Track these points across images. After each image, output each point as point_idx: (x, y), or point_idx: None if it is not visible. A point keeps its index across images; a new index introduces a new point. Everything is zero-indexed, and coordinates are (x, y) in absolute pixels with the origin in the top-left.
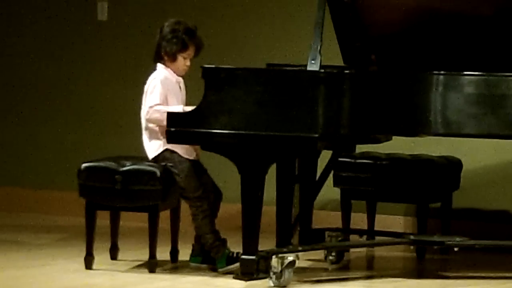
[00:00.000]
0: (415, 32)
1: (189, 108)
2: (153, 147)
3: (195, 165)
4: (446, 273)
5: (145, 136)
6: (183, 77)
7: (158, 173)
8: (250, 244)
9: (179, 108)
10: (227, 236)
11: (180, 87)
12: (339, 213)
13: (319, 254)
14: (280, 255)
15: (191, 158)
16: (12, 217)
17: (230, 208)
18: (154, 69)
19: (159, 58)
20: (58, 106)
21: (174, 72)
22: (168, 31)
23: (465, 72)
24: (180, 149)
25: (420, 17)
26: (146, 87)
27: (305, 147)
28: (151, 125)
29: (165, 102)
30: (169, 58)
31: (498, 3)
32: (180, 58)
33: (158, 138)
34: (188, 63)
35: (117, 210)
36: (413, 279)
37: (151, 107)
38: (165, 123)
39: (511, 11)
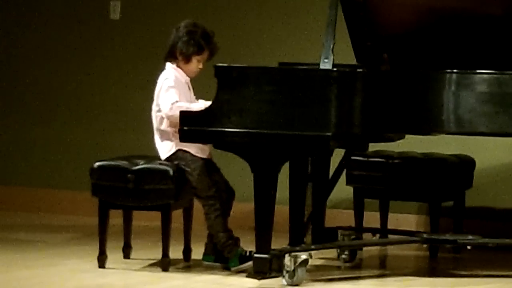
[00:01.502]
0: (427, 31)
1: (209, 103)
2: (165, 147)
3: (208, 164)
4: (458, 271)
5: (157, 137)
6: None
7: (171, 172)
8: (263, 243)
9: (201, 104)
10: (239, 235)
11: (188, 87)
12: (352, 212)
13: (332, 252)
14: (293, 253)
15: (204, 157)
16: (25, 217)
17: (243, 207)
18: (163, 69)
19: (171, 57)
20: (70, 105)
21: (185, 73)
22: (185, 32)
23: (477, 71)
24: (193, 148)
25: (431, 16)
26: (158, 87)
27: (317, 146)
28: (163, 126)
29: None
30: (183, 59)
31: (508, 2)
32: (194, 61)
33: (170, 139)
34: (200, 66)
35: (129, 209)
36: (425, 278)
37: (173, 103)
38: None
39: None
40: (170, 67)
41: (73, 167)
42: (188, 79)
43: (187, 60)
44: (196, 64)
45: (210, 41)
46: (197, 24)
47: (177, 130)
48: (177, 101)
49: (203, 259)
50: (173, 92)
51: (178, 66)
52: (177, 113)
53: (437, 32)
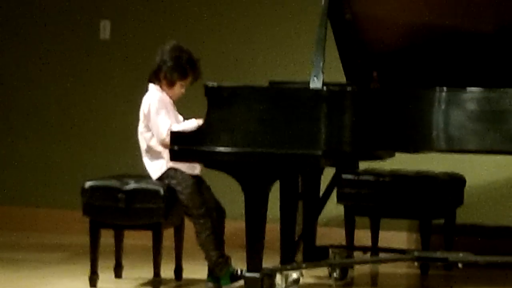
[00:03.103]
0: (417, 49)
1: (202, 121)
2: (156, 167)
3: (199, 182)
4: None
5: (146, 158)
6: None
7: (161, 192)
8: (254, 262)
9: (193, 122)
10: (230, 254)
11: (173, 106)
12: (343, 230)
13: (323, 271)
14: (284, 272)
15: (195, 173)
16: (16, 236)
17: (234, 225)
18: (146, 90)
19: (154, 80)
20: (60, 125)
21: (168, 96)
22: (170, 56)
23: (467, 88)
24: (183, 166)
25: (421, 33)
26: (144, 109)
27: (308, 164)
28: (152, 144)
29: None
30: (167, 84)
31: (498, 20)
32: (177, 85)
33: (160, 158)
34: (183, 90)
35: (121, 228)
36: None
37: (169, 128)
38: None
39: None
40: (153, 88)
41: (63, 186)
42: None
43: (171, 84)
44: (179, 89)
45: (195, 67)
46: (182, 49)
47: (165, 149)
48: (170, 127)
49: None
50: (164, 118)
51: (161, 88)
52: None
53: (427, 50)
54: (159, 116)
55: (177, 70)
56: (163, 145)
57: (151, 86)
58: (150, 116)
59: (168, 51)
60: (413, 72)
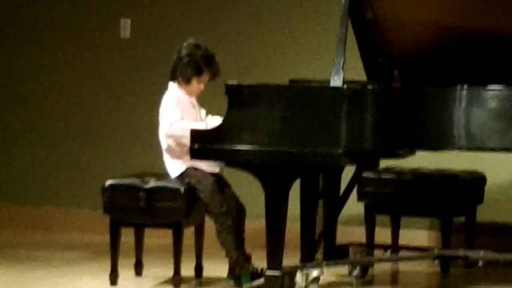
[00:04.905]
0: (439, 48)
1: (214, 124)
2: (175, 166)
3: (219, 180)
4: (470, 287)
5: (166, 157)
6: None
7: (182, 190)
8: (274, 260)
9: (202, 124)
10: (251, 252)
11: (193, 105)
12: (363, 228)
13: (344, 269)
14: (304, 270)
15: (215, 171)
16: (36, 235)
17: (254, 224)
18: (166, 89)
19: (174, 78)
20: (81, 124)
21: (187, 93)
22: (185, 53)
23: (488, 87)
24: (203, 165)
25: (442, 33)
26: (161, 108)
27: (328, 163)
28: (170, 142)
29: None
30: (183, 80)
31: None
32: (194, 82)
33: (179, 157)
34: (202, 87)
35: (141, 227)
36: None
37: (173, 123)
38: (184, 140)
39: None
40: (173, 87)
41: (84, 186)
42: (193, 98)
43: (187, 81)
44: (196, 86)
45: (210, 63)
46: (199, 46)
47: (184, 148)
48: (177, 121)
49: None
50: (173, 112)
51: (180, 86)
52: (177, 133)
53: (448, 49)
54: (169, 112)
55: (192, 66)
56: (170, 138)
57: (171, 84)
58: (163, 114)
59: (183, 49)
60: (435, 71)
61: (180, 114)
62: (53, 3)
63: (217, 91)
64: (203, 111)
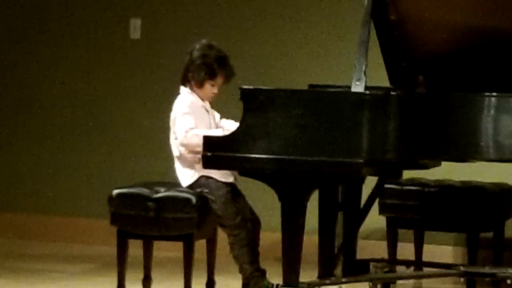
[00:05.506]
0: (466, 52)
1: (230, 129)
2: (187, 175)
3: (233, 190)
4: None
5: (177, 164)
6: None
7: (194, 200)
8: (290, 275)
9: (219, 131)
10: (266, 267)
11: (207, 110)
12: (385, 243)
13: (364, 286)
14: (322, 287)
15: (229, 181)
16: (40, 246)
17: (270, 236)
18: (178, 93)
19: (185, 81)
20: (87, 129)
21: (200, 97)
22: (198, 55)
23: None
24: (216, 173)
25: (471, 36)
26: (173, 114)
27: (349, 172)
28: (182, 149)
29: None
30: (196, 84)
31: None
32: (207, 85)
33: (192, 166)
34: (215, 90)
35: (150, 239)
36: None
37: (187, 131)
38: (199, 148)
39: None
40: (185, 91)
41: (90, 194)
42: (206, 102)
43: (200, 85)
44: (210, 89)
45: (224, 65)
46: (212, 46)
47: (196, 156)
48: (191, 128)
49: None
50: (187, 119)
51: (192, 90)
52: (193, 141)
53: (476, 53)
54: (182, 119)
55: (205, 68)
56: (184, 146)
57: (182, 89)
58: (175, 120)
59: (196, 50)
60: (462, 77)
61: (194, 121)
62: (62, 3)
63: (230, 96)
64: (217, 115)
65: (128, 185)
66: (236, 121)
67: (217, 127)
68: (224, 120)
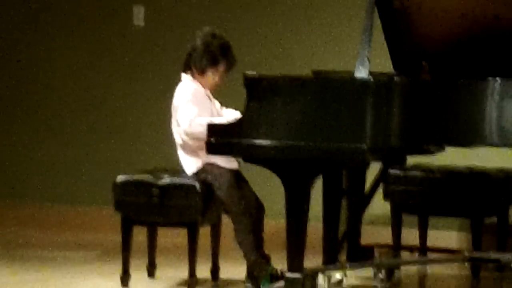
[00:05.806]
0: (471, 39)
1: (231, 118)
2: (191, 163)
3: (237, 176)
4: None
5: (181, 152)
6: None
7: (198, 187)
8: (295, 262)
9: (222, 119)
10: (270, 253)
11: (209, 98)
12: (389, 229)
13: (368, 271)
14: (326, 272)
15: (233, 168)
16: (45, 234)
17: (274, 223)
18: (180, 80)
19: (187, 69)
20: (91, 117)
21: (202, 86)
22: (200, 43)
23: None
24: (220, 160)
25: (475, 23)
26: (175, 101)
27: (353, 158)
28: (185, 137)
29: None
30: (198, 72)
31: None
32: (209, 73)
33: (195, 153)
34: (216, 79)
35: (154, 225)
36: None
37: (192, 119)
38: (203, 136)
39: None
40: (186, 79)
41: (95, 182)
42: (207, 90)
43: (202, 72)
44: (211, 77)
45: (226, 53)
46: (215, 34)
47: (200, 144)
48: (196, 117)
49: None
50: (191, 107)
51: (194, 77)
52: (197, 130)
53: (480, 40)
54: (185, 107)
55: (207, 56)
56: (188, 135)
57: (184, 76)
58: (178, 108)
59: (199, 37)
60: (466, 63)
61: (198, 109)
62: None
63: (232, 83)
64: (217, 103)
65: (132, 172)
66: (236, 109)
67: (218, 115)
68: (225, 109)
